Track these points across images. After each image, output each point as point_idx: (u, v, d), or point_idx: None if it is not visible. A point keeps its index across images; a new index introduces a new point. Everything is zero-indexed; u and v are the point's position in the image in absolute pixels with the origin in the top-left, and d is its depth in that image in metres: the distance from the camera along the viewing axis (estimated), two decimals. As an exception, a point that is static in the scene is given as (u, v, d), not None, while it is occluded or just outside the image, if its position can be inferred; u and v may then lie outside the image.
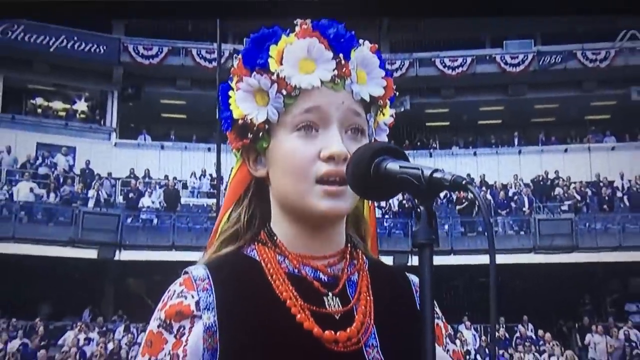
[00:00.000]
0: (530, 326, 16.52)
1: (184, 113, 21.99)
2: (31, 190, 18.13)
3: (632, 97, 21.09)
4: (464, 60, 21.67)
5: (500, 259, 17.10)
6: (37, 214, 18.12)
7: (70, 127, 20.85)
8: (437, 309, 1.31)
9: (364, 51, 1.29)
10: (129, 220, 18.71)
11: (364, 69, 1.29)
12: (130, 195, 19.27)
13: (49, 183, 18.81)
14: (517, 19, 21.15)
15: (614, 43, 20.51)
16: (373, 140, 1.33)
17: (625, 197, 19.53)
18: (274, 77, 1.25)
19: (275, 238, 1.30)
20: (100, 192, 19.05)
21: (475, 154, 21.73)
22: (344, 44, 1.27)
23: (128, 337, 16.04)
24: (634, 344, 16.15)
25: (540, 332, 16.42)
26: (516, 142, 22.05)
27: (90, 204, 18.71)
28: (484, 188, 19.89)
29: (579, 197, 19.59)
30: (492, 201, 19.38)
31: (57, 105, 21.54)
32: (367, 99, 1.27)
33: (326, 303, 1.24)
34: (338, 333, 1.19)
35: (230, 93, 1.29)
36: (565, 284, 17.61)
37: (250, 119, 1.25)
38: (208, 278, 1.23)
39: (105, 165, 20.16)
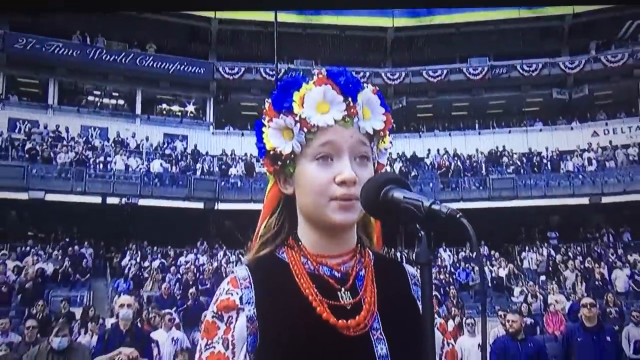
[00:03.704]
0: (486, 248, 16.57)
1: (255, 111, 21.44)
2: (161, 165, 18.29)
3: (553, 95, 21.06)
4: (442, 72, 21.38)
5: (466, 205, 17.22)
6: (165, 180, 18.15)
7: (184, 122, 21.01)
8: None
9: (368, 93, 1.14)
10: (223, 183, 18.53)
11: (368, 107, 1.13)
12: (223, 167, 19.16)
13: (172, 160, 18.91)
14: (477, 45, 21.22)
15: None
16: (377, 163, 1.18)
17: (548, 163, 19.49)
18: (297, 117, 1.10)
19: (300, 243, 1.15)
20: (203, 165, 19.07)
21: (450, 134, 21.53)
22: (352, 89, 1.11)
23: (225, 258, 16.04)
24: (552, 258, 16.30)
25: (492, 252, 16.54)
26: (477, 127, 21.90)
27: (198, 173, 18.76)
28: (456, 158, 19.81)
29: (518, 163, 19.58)
30: (461, 167, 19.31)
31: (175, 108, 21.70)
32: (371, 132, 1.13)
33: (339, 297, 1.09)
34: (349, 321, 1.06)
35: (264, 129, 1.14)
36: (509, 220, 17.68)
37: (279, 151, 1.11)
38: (249, 277, 1.11)
39: (206, 147, 20.20)
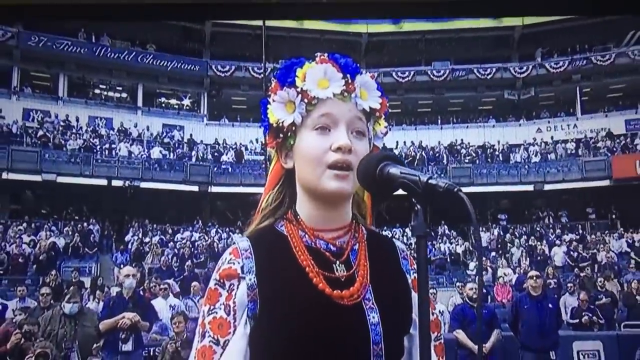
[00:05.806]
0: (445, 227, 16.70)
1: (244, 104, 21.34)
2: (160, 152, 18.13)
3: (505, 96, 21.12)
4: (409, 73, 21.24)
5: (428, 190, 17.51)
6: (164, 165, 17.96)
7: (181, 114, 20.72)
8: (414, 265, 1.08)
9: (365, 76, 1.09)
10: (215, 169, 18.32)
11: (365, 89, 1.07)
12: (215, 154, 18.97)
13: (170, 147, 18.73)
14: (440, 50, 21.19)
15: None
16: (372, 145, 1.10)
17: (500, 155, 19.62)
18: (299, 89, 1.05)
19: (298, 217, 1.07)
20: (198, 152, 18.86)
21: (415, 129, 21.47)
22: (351, 70, 1.07)
23: (217, 235, 15.88)
24: (501, 237, 16.48)
25: (451, 231, 16.68)
26: (439, 122, 21.90)
27: (193, 159, 18.58)
28: (420, 149, 19.79)
29: (474, 154, 19.64)
30: (425, 157, 19.31)
31: (173, 101, 21.37)
32: (367, 109, 1.07)
33: (334, 269, 1.03)
34: (343, 291, 1.00)
35: (268, 106, 1.09)
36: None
37: (282, 122, 1.05)
38: (250, 248, 1.04)
39: (201, 136, 19.95)
